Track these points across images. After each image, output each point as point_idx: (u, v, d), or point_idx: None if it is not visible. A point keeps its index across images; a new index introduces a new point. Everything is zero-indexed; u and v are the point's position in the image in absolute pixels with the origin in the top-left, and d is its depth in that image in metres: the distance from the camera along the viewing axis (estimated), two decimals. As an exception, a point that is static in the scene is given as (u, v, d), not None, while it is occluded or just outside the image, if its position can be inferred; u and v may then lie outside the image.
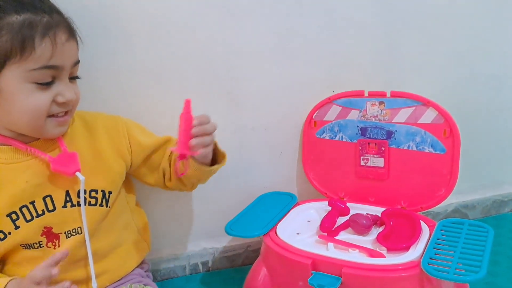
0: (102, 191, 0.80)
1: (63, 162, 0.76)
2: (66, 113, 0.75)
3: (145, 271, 0.93)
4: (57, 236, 0.78)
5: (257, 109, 1.02)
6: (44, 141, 0.77)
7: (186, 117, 0.76)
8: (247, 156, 1.05)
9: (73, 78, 0.75)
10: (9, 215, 0.75)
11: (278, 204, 0.99)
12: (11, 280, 0.71)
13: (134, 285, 0.85)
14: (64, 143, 0.78)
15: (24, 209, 0.76)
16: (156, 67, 0.94)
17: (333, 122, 1.01)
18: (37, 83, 0.69)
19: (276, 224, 0.91)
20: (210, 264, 1.11)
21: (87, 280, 0.80)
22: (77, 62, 0.75)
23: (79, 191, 0.77)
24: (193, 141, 0.76)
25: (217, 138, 1.00)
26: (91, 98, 0.88)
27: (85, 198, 0.78)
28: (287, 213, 0.95)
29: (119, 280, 0.86)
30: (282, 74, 1.01)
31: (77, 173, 0.75)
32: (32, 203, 0.76)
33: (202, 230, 1.08)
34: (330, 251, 0.82)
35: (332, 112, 1.01)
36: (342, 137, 1.00)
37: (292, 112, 1.04)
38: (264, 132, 1.04)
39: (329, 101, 1.01)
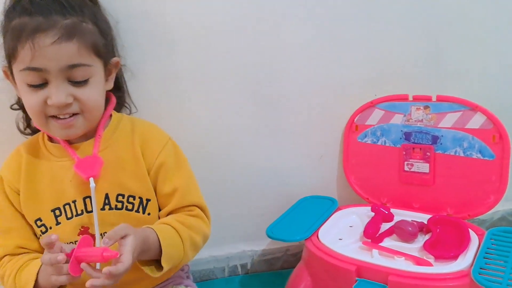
0: (139, 197, 0.80)
1: (84, 165, 0.76)
2: (73, 115, 0.74)
3: (185, 273, 0.94)
4: (93, 237, 0.79)
5: (297, 112, 1.02)
6: (83, 143, 0.78)
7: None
8: (287, 159, 1.04)
9: (77, 82, 0.72)
10: (53, 210, 0.77)
11: (319, 208, 0.99)
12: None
13: (175, 287, 0.86)
14: (98, 146, 0.78)
15: (67, 207, 0.78)
16: (198, 72, 0.95)
17: (376, 126, 0.99)
18: (29, 84, 0.71)
19: (318, 229, 0.91)
20: (249, 266, 1.11)
21: (123, 283, 0.81)
22: (74, 65, 0.70)
23: (117, 195, 0.79)
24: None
25: (255, 142, 1.01)
26: (137, 102, 0.91)
27: (122, 203, 0.79)
28: (328, 218, 0.95)
29: (160, 283, 0.86)
30: (323, 77, 1.00)
31: (90, 179, 0.75)
32: (74, 202, 0.78)
33: (241, 233, 1.09)
34: (375, 258, 0.81)
35: (375, 116, 0.99)
36: (385, 141, 0.99)
37: (332, 116, 1.03)
38: (303, 135, 1.03)
39: (372, 105, 0.99)
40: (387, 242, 0.86)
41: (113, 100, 0.83)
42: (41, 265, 0.73)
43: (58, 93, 0.70)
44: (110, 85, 0.80)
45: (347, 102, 1.01)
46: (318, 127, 1.03)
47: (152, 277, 0.83)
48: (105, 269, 0.64)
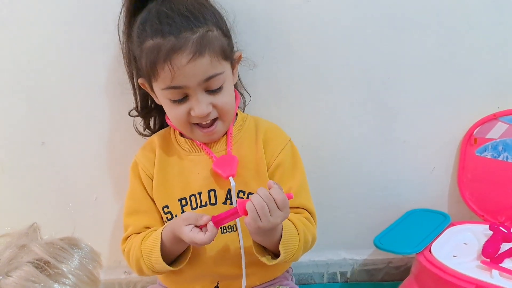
0: None
1: (222, 164, 0.81)
2: (213, 121, 0.79)
3: (289, 274, 0.96)
4: None
5: (411, 122, 0.99)
6: (216, 140, 0.83)
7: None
8: (397, 169, 1.02)
9: (213, 90, 0.76)
10: (180, 200, 0.83)
11: (430, 222, 0.95)
12: (167, 224, 0.80)
13: (281, 287, 0.88)
14: (231, 145, 0.83)
15: (192, 198, 0.83)
16: (312, 76, 0.96)
17: (498, 140, 0.94)
18: (171, 100, 0.76)
19: (430, 244, 0.87)
20: (348, 275, 1.10)
21: (237, 277, 0.84)
22: (210, 77, 0.74)
23: (239, 192, 0.82)
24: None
25: (367, 149, 1.01)
26: (251, 104, 0.95)
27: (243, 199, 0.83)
28: (441, 233, 0.91)
29: (268, 281, 0.89)
30: (442, 87, 0.96)
31: (230, 178, 0.79)
32: (199, 193, 0.83)
33: (344, 240, 1.08)
34: (495, 278, 0.76)
35: (497, 130, 0.94)
36: (507, 157, 0.93)
37: (449, 127, 0.99)
38: (416, 146, 1.00)
39: (494, 117, 0.94)
40: (508, 263, 0.81)
41: (238, 97, 0.87)
42: (163, 229, 0.78)
43: (200, 105, 0.75)
44: (235, 78, 0.84)
45: (466, 114, 0.97)
46: (432, 138, 1.00)
47: (260, 274, 0.86)
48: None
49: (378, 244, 0.90)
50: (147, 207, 0.85)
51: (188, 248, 0.80)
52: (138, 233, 0.84)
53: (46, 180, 1.03)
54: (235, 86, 0.87)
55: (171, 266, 0.79)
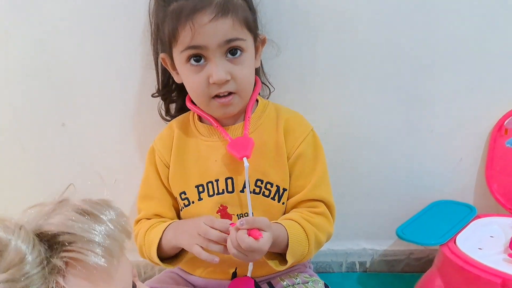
0: (277, 186, 0.81)
1: (237, 145, 0.79)
2: (229, 94, 0.77)
3: (308, 262, 0.95)
4: (229, 217, 0.82)
5: (440, 110, 0.96)
6: (232, 126, 0.82)
7: None
8: (422, 159, 0.99)
9: (233, 57, 0.75)
10: (197, 187, 0.82)
11: (455, 214, 0.93)
12: (171, 223, 0.79)
13: (300, 275, 0.87)
14: (249, 128, 0.81)
15: (210, 185, 0.82)
16: (337, 62, 0.93)
17: (530, 131, 0.91)
18: (190, 64, 0.75)
19: (455, 235, 0.85)
20: (367, 265, 1.09)
21: (255, 263, 0.82)
22: (230, 40, 0.74)
23: (257, 180, 0.81)
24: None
25: (392, 138, 0.98)
26: (275, 93, 0.93)
27: (260, 188, 0.81)
28: (466, 225, 0.89)
29: (287, 268, 0.87)
30: (474, 75, 0.93)
31: (244, 159, 0.77)
32: (217, 181, 0.81)
33: (364, 230, 1.06)
34: (523, 273, 0.74)
35: (529, 120, 0.91)
36: (538, 149, 0.90)
37: (479, 117, 0.95)
38: (443, 135, 0.97)
39: (527, 108, 0.91)
40: (537, 258, 0.78)
41: (259, 83, 0.85)
42: (165, 228, 0.78)
43: (218, 69, 0.74)
44: (258, 62, 0.83)
45: (497, 104, 0.93)
46: (461, 128, 0.97)
47: (278, 261, 0.85)
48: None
49: (401, 234, 0.88)
50: (159, 195, 0.85)
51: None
52: (149, 218, 0.84)
53: (65, 161, 1.03)
54: (257, 73, 0.86)
55: (166, 263, 0.79)
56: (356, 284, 1.06)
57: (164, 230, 0.78)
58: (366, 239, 1.08)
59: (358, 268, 1.09)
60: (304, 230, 0.76)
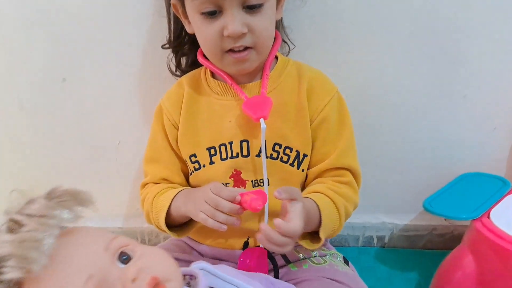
0: (296, 151, 0.74)
1: (253, 105, 0.71)
2: (245, 49, 0.69)
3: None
4: (243, 183, 0.76)
5: (474, 74, 0.87)
6: (249, 84, 0.74)
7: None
8: (452, 127, 0.91)
9: (252, 8, 0.67)
10: (208, 149, 0.75)
11: (487, 187, 0.86)
12: (182, 190, 0.74)
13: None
14: (266, 86, 0.74)
15: (222, 147, 0.75)
16: (364, 18, 0.85)
17: None
18: (204, 14, 0.67)
19: (489, 210, 0.78)
20: (386, 240, 1.02)
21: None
22: None
23: (274, 144, 0.74)
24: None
25: (421, 103, 0.90)
26: (294, 51, 0.84)
27: (278, 153, 0.74)
28: (500, 199, 0.81)
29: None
30: (513, 35, 0.84)
31: (261, 120, 0.70)
32: (230, 143, 0.74)
33: (385, 203, 1.00)
34: None
35: None
36: None
37: (518, 82, 0.87)
38: (477, 102, 0.89)
39: None
40: None
41: (279, 38, 0.77)
42: (176, 195, 0.73)
43: (234, 22, 0.65)
44: (280, 14, 0.74)
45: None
46: (496, 94, 0.88)
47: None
48: (277, 220, 0.60)
49: (428, 207, 0.81)
50: (167, 157, 0.79)
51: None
52: (156, 183, 0.78)
53: (66, 120, 0.97)
54: (277, 27, 0.77)
55: (175, 233, 0.74)
56: (373, 259, 1.00)
57: (174, 197, 0.73)
58: (386, 212, 1.01)
59: (375, 243, 1.03)
60: (333, 203, 0.70)
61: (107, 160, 0.99)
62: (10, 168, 1.02)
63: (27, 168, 1.02)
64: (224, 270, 0.58)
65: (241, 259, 0.74)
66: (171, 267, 0.47)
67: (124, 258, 0.45)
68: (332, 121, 0.75)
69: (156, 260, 0.46)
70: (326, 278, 0.70)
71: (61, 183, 1.02)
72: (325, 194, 0.70)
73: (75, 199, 0.45)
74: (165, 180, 0.78)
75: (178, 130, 0.77)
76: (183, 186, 0.79)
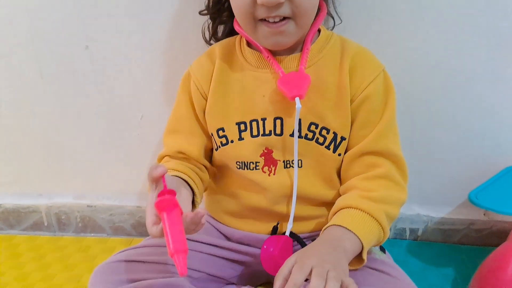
0: (334, 133, 0.69)
1: (289, 82, 0.66)
2: (284, 20, 0.62)
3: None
4: (275, 162, 0.71)
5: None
6: (287, 56, 0.68)
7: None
8: (502, 115, 0.84)
9: None
10: (238, 124, 0.71)
11: (538, 181, 0.79)
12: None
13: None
14: (306, 62, 0.68)
15: (253, 123, 0.70)
16: (417, 4, 0.78)
17: None
18: None
19: (542, 205, 0.72)
20: (419, 232, 0.96)
21: (299, 218, 0.73)
22: None
23: (310, 124, 0.68)
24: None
25: (469, 87, 0.83)
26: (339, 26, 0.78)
27: (314, 133, 0.69)
28: (554, 195, 0.75)
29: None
30: None
31: (296, 99, 0.64)
32: (263, 120, 0.69)
33: (420, 194, 0.93)
34: None
35: None
36: None
37: None
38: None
39: None
40: None
41: (324, 9, 0.70)
42: None
43: None
44: None
45: None
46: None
47: (324, 220, 0.73)
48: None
49: (474, 199, 0.75)
50: (188, 128, 0.74)
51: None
52: (172, 156, 0.74)
53: (88, 89, 0.92)
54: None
55: None
56: (404, 252, 0.94)
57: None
58: (421, 204, 0.94)
59: (408, 236, 0.96)
60: (370, 215, 0.64)
61: (129, 134, 0.95)
62: (30, 139, 0.98)
63: (47, 139, 0.98)
64: None
65: (265, 246, 0.70)
66: None
67: None
68: (375, 101, 0.68)
69: None
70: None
71: (82, 155, 0.98)
72: (358, 209, 0.64)
73: None
74: (182, 153, 0.73)
75: (206, 101, 0.72)
76: (199, 163, 0.74)
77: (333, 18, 0.77)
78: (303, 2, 0.61)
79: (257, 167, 0.71)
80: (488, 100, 0.83)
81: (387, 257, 0.71)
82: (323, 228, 0.65)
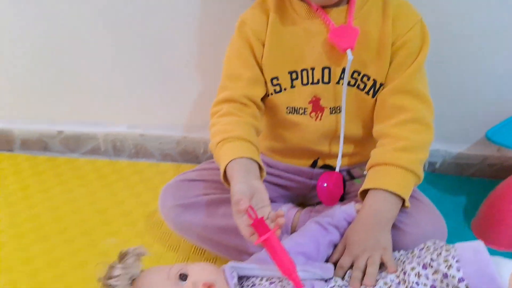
0: (374, 80, 0.76)
1: (340, 35, 0.72)
2: None
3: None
4: (321, 109, 0.79)
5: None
6: (334, 9, 0.74)
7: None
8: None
9: None
10: (290, 73, 0.77)
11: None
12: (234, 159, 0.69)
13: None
14: (353, 16, 0.73)
15: (304, 73, 0.77)
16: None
17: None
18: None
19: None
20: (437, 166, 1.07)
21: (330, 156, 0.83)
22: None
23: (354, 72, 0.75)
24: None
25: (496, 35, 0.88)
26: None
27: (356, 80, 0.76)
28: None
29: (365, 161, 0.80)
30: None
31: (348, 51, 0.71)
32: (312, 69, 0.76)
33: (441, 131, 0.95)
34: None
35: None
36: None
37: None
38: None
39: None
40: None
41: None
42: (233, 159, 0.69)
43: None
44: None
45: None
46: None
47: (361, 155, 0.84)
48: None
49: (491, 137, 0.84)
50: (249, 73, 0.77)
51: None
52: (235, 101, 0.76)
53: (133, 31, 1.00)
54: None
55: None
56: (423, 182, 1.02)
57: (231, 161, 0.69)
58: (441, 140, 1.02)
59: (426, 167, 1.07)
60: (403, 168, 0.71)
61: (177, 72, 1.04)
62: (91, 73, 1.08)
63: (107, 74, 1.07)
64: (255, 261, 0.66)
65: (319, 183, 0.80)
66: (214, 273, 0.62)
67: (183, 277, 0.61)
68: (412, 47, 0.75)
69: (204, 272, 0.62)
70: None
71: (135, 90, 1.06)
72: (395, 165, 0.71)
73: (136, 255, 0.62)
74: (246, 97, 0.77)
75: (264, 48, 0.77)
76: (258, 108, 0.78)
77: None
78: None
79: (305, 113, 0.79)
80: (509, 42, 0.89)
81: None
82: (367, 167, 0.74)
